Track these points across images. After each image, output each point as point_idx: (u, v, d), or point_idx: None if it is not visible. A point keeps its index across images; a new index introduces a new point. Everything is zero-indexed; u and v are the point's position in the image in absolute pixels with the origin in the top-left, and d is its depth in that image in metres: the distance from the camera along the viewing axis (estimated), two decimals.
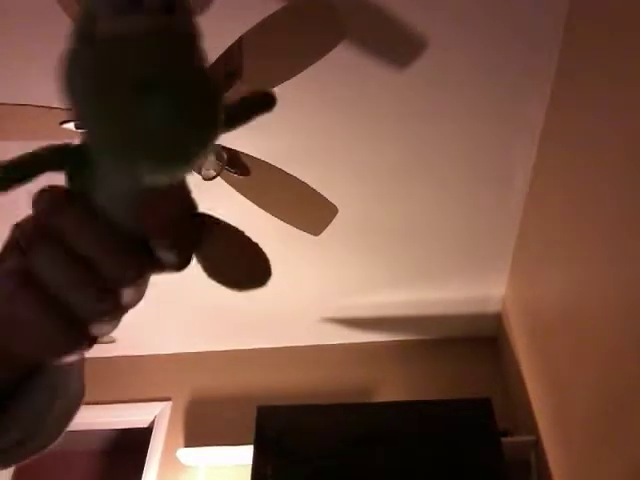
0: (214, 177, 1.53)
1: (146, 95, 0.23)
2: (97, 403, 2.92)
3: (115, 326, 0.34)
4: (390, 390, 2.82)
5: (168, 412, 2.87)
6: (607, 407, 1.61)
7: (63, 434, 0.41)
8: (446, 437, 2.20)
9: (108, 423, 2.96)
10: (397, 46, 1.70)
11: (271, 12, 1.28)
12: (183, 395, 2.95)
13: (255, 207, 1.81)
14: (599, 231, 1.58)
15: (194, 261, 0.32)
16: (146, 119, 0.23)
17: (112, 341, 3.10)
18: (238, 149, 1.66)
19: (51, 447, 0.40)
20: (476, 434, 2.21)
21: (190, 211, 0.31)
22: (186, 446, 2.74)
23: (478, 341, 2.97)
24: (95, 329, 0.31)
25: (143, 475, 2.66)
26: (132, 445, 3.16)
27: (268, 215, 1.83)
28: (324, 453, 2.20)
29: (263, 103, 0.34)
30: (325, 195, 1.80)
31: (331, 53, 1.37)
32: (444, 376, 2.81)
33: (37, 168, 0.27)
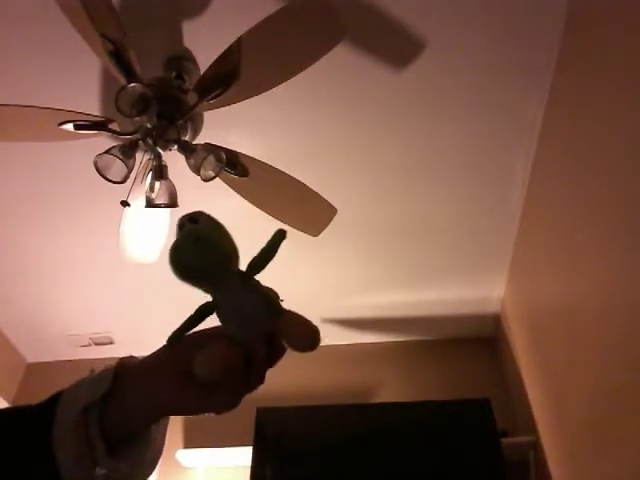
0: (213, 178, 1.53)
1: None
2: None
3: None
4: (389, 391, 2.82)
5: None
6: (606, 407, 1.61)
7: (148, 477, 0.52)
8: (446, 437, 2.20)
9: None
10: (396, 47, 1.70)
11: (270, 12, 1.28)
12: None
13: (254, 208, 1.81)
14: (598, 233, 1.58)
15: None
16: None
17: (110, 342, 3.10)
18: (237, 150, 1.66)
19: None
20: (475, 434, 2.20)
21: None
22: (185, 447, 2.73)
23: (477, 342, 2.97)
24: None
25: None
26: None
27: (267, 216, 1.83)
28: (324, 454, 2.20)
29: (279, 238, 0.52)
30: (324, 196, 1.80)
31: (330, 54, 1.37)
32: (443, 377, 2.80)
33: (192, 326, 0.51)
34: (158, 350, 0.52)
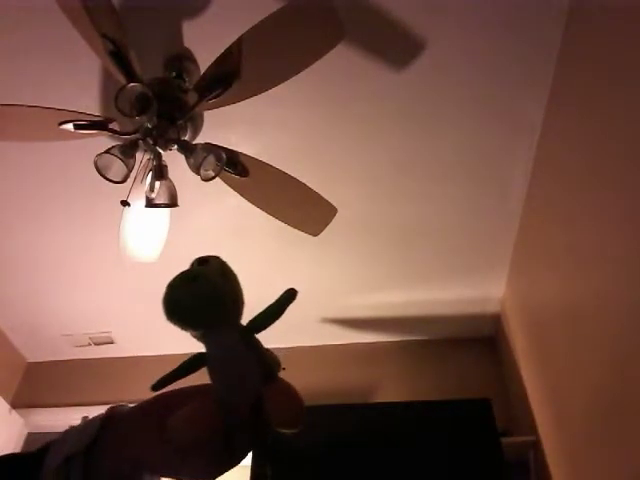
0: (213, 177, 1.53)
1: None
2: (96, 404, 2.91)
3: None
4: (390, 390, 2.82)
5: None
6: (606, 407, 1.61)
7: None
8: (446, 437, 2.20)
9: None
10: (396, 47, 1.70)
11: (270, 12, 1.28)
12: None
13: (254, 208, 1.81)
14: (598, 232, 1.58)
15: None
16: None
17: (110, 342, 3.10)
18: (237, 150, 1.66)
19: None
20: (475, 434, 2.20)
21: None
22: None
23: (477, 341, 2.97)
24: None
25: None
26: None
27: (267, 215, 1.83)
28: (324, 454, 2.20)
29: (288, 298, 0.48)
30: (324, 195, 1.80)
31: (329, 54, 1.37)
32: (443, 377, 2.80)
33: (179, 376, 0.48)
34: (146, 400, 0.50)
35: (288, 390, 0.46)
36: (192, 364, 0.48)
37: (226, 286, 0.47)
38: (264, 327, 0.48)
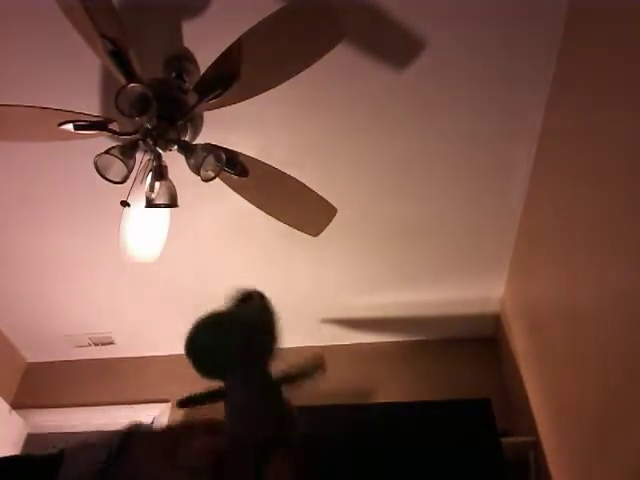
0: (213, 178, 1.53)
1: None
2: (96, 404, 2.91)
3: None
4: (390, 390, 2.82)
5: (167, 413, 2.87)
6: (605, 407, 1.61)
7: None
8: (446, 437, 2.20)
9: (107, 424, 2.95)
10: (396, 46, 1.70)
11: (270, 12, 1.28)
12: (182, 396, 2.94)
13: (254, 208, 1.81)
14: (598, 232, 1.58)
15: None
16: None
17: (110, 342, 3.10)
18: (237, 150, 1.66)
19: None
20: (476, 434, 2.20)
21: None
22: None
23: (477, 342, 2.97)
24: None
25: None
26: None
27: (267, 216, 1.83)
28: (324, 454, 2.20)
29: (316, 367, 0.50)
30: (324, 196, 1.80)
31: (329, 53, 1.37)
32: (443, 377, 2.80)
33: (204, 401, 0.50)
34: (163, 427, 0.54)
35: (288, 465, 0.49)
36: (217, 395, 0.51)
37: (254, 333, 0.48)
38: (292, 382, 0.51)
